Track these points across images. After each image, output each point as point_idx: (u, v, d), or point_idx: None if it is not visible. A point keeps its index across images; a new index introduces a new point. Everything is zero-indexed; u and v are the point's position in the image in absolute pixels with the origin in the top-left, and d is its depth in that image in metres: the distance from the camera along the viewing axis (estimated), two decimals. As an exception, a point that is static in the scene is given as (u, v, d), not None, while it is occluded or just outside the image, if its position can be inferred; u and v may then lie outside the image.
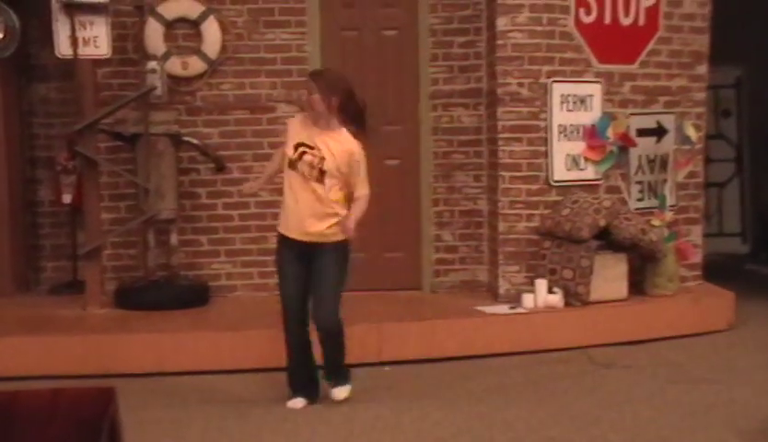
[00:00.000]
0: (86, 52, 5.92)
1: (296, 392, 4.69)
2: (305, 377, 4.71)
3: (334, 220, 4.48)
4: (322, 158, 4.45)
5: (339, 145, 4.48)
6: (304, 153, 4.46)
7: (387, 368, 5.40)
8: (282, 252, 4.61)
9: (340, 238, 4.51)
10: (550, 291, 6.01)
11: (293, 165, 4.48)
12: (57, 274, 7.00)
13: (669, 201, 6.52)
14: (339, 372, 4.73)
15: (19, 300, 6.55)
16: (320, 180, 4.45)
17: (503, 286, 6.33)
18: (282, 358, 5.22)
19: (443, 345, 5.62)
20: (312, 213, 4.47)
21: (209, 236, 6.69)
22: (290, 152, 4.50)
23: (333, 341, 4.61)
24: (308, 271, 4.55)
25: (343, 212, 4.51)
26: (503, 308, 6.02)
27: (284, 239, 4.58)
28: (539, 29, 6.28)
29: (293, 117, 4.75)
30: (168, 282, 6.35)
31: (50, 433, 2.37)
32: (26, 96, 6.95)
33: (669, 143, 6.58)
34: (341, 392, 4.71)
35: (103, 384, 2.47)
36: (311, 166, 4.45)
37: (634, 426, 4.27)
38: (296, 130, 4.56)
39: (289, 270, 4.58)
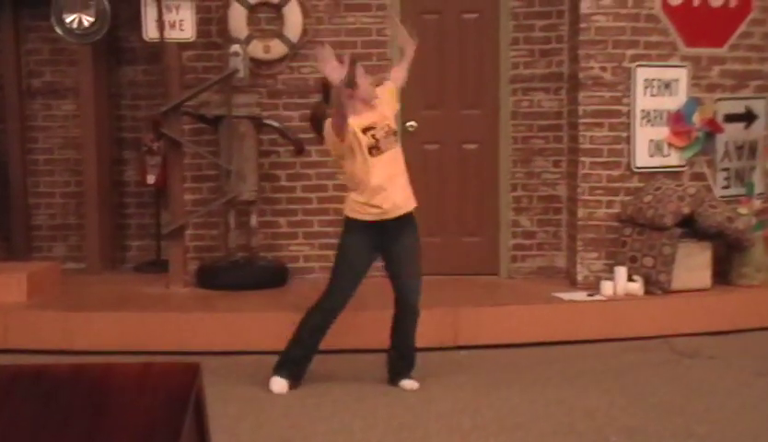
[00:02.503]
0: (172, 35, 6.05)
1: (295, 379, 4.64)
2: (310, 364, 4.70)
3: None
4: (387, 124, 4.46)
5: (379, 102, 4.52)
6: (374, 133, 4.42)
7: (462, 353, 5.39)
8: (357, 239, 4.51)
9: (414, 204, 4.56)
10: (630, 279, 5.90)
11: (375, 149, 4.40)
12: (141, 253, 7.22)
13: (758, 189, 6.32)
14: (414, 358, 4.72)
15: (106, 277, 6.76)
16: (391, 145, 4.48)
17: (581, 273, 6.25)
18: (356, 338, 5.31)
19: (519, 331, 5.58)
20: (402, 182, 4.50)
21: (288, 218, 6.77)
22: (365, 140, 4.39)
23: (416, 323, 4.61)
24: (387, 252, 4.54)
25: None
26: (581, 295, 5.94)
27: (364, 227, 4.50)
28: (623, 11, 6.14)
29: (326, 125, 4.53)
30: (248, 263, 6.46)
31: (140, 404, 2.44)
32: (114, 78, 7.15)
33: (758, 129, 6.37)
34: (415, 383, 4.69)
35: (188, 360, 2.54)
36: (386, 135, 4.44)
37: (720, 418, 4.17)
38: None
39: (365, 257, 4.53)
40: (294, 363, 4.67)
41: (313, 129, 4.72)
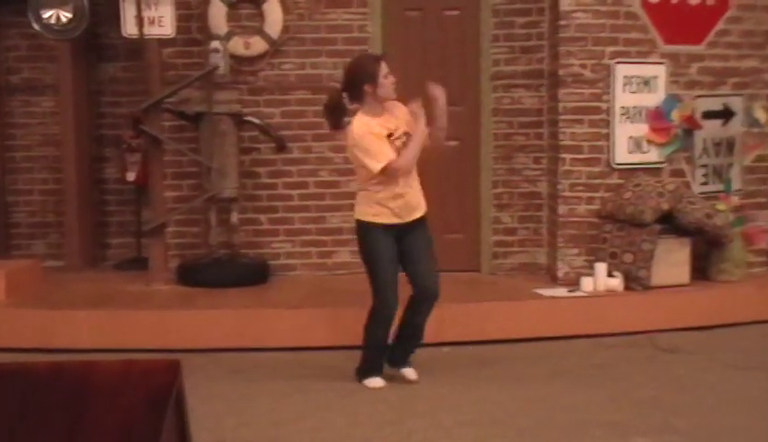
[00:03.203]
0: (151, 31, 6.01)
1: (381, 371, 4.72)
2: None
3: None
4: (405, 132, 4.49)
5: (401, 111, 4.54)
6: (394, 139, 4.45)
7: (446, 349, 5.40)
8: (380, 240, 4.51)
9: (425, 208, 4.66)
10: (610, 275, 5.94)
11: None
12: (122, 251, 7.18)
13: (735, 185, 6.38)
14: (417, 344, 4.79)
15: (86, 275, 6.72)
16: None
17: (562, 269, 6.28)
18: (340, 336, 5.31)
19: (501, 327, 5.60)
20: (417, 187, 4.59)
21: (269, 215, 6.76)
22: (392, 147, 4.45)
23: (432, 309, 4.67)
24: (402, 247, 4.57)
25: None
26: (562, 291, 5.97)
27: (384, 229, 4.50)
28: (603, 9, 6.18)
29: (354, 124, 4.50)
30: (230, 260, 6.44)
31: (120, 402, 2.43)
32: (94, 75, 7.10)
33: (736, 126, 6.43)
34: (414, 372, 4.76)
35: (169, 358, 2.53)
36: (403, 145, 4.47)
37: (699, 413, 4.21)
38: (375, 128, 4.44)
39: (392, 255, 4.54)
40: (375, 363, 4.72)
41: (327, 117, 4.65)
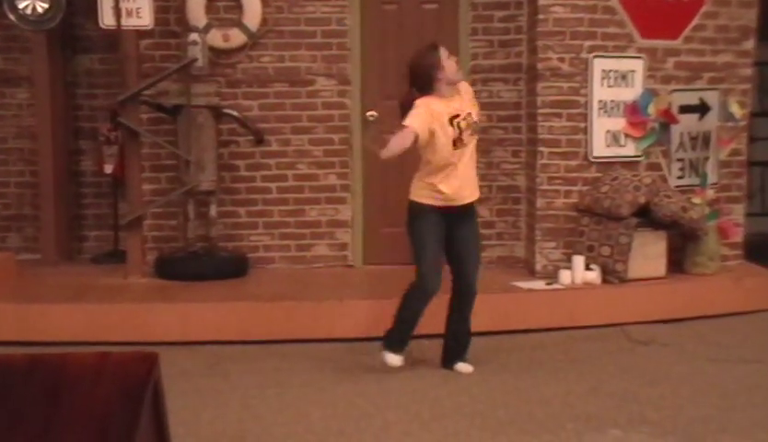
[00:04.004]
0: (129, 22, 5.97)
1: (402, 351, 4.77)
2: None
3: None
4: (469, 113, 4.57)
5: (467, 92, 4.66)
6: (459, 122, 4.52)
7: (423, 342, 5.41)
8: (426, 219, 4.60)
9: (478, 194, 4.75)
10: (587, 268, 5.98)
11: (459, 140, 4.51)
12: (99, 244, 7.14)
13: (711, 179, 6.44)
14: (469, 341, 4.86)
15: (63, 269, 6.67)
16: (472, 138, 4.61)
17: (540, 262, 6.31)
18: (318, 329, 5.32)
19: (479, 320, 5.58)
20: (472, 174, 4.68)
21: (248, 208, 6.75)
22: (450, 131, 4.49)
23: (474, 302, 4.78)
24: (450, 237, 4.65)
25: None
26: (539, 284, 6.01)
27: (431, 209, 4.59)
28: (581, 3, 6.20)
29: (419, 105, 4.53)
30: (208, 253, 6.43)
31: (96, 394, 2.42)
32: (70, 67, 7.04)
33: (712, 120, 6.49)
34: (469, 366, 4.84)
35: (146, 350, 2.52)
36: (468, 126, 4.54)
37: (673, 404, 4.25)
38: (436, 110, 4.50)
39: (438, 236, 4.62)
40: (402, 337, 4.77)
41: (403, 115, 4.65)
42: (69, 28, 6.88)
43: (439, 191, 4.57)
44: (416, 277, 4.68)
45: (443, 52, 4.55)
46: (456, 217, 4.64)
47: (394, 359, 4.76)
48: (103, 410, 2.33)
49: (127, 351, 2.54)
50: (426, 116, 4.48)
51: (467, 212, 4.69)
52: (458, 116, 4.53)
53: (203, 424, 4.04)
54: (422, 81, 4.56)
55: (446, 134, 4.50)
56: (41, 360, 2.44)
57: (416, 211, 4.65)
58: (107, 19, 5.97)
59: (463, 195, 4.63)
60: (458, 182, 4.57)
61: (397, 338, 4.78)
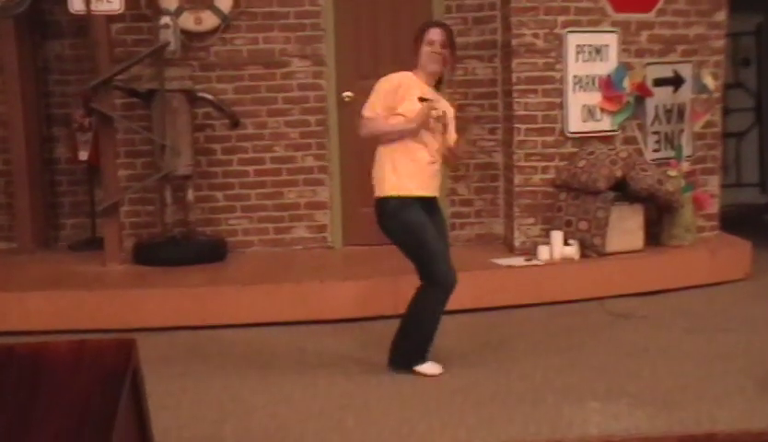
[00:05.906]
0: (98, 7, 5.89)
1: (427, 357, 4.45)
2: None
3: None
4: (445, 112, 4.40)
5: (444, 102, 4.49)
6: (427, 106, 4.28)
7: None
8: (417, 213, 4.28)
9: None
10: (566, 243, 6.02)
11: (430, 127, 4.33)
12: (76, 231, 7.08)
13: (686, 151, 6.48)
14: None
15: (40, 257, 6.62)
16: (442, 134, 4.38)
17: (518, 239, 6.34)
18: (298, 312, 5.32)
19: (459, 298, 5.55)
20: (439, 167, 4.39)
21: (225, 192, 6.71)
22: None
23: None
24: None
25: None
26: (519, 261, 6.04)
27: (414, 200, 4.29)
28: (554, -22, 6.20)
29: (398, 75, 4.36)
30: (186, 238, 6.40)
31: (74, 382, 2.42)
32: (41, 53, 6.95)
33: (686, 92, 6.52)
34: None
35: (124, 337, 2.51)
36: (438, 119, 4.34)
37: (652, 376, 4.30)
38: (413, 85, 4.31)
39: (432, 228, 4.32)
40: (426, 346, 4.45)
41: None
42: (38, 13, 6.78)
43: (415, 178, 4.32)
44: (431, 280, 4.35)
45: (429, 34, 4.36)
46: (428, 207, 4.39)
47: (432, 368, 4.40)
48: (81, 398, 2.33)
49: (104, 338, 2.54)
50: (390, 93, 4.30)
51: (435, 204, 4.45)
52: (428, 100, 4.30)
53: (184, 408, 4.04)
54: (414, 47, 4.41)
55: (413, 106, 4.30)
56: (17, 349, 2.43)
57: (398, 206, 4.29)
58: (76, 5, 5.89)
59: (433, 183, 4.39)
60: (431, 169, 4.35)
61: (422, 351, 4.42)
